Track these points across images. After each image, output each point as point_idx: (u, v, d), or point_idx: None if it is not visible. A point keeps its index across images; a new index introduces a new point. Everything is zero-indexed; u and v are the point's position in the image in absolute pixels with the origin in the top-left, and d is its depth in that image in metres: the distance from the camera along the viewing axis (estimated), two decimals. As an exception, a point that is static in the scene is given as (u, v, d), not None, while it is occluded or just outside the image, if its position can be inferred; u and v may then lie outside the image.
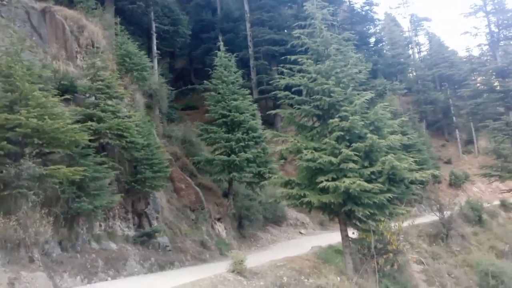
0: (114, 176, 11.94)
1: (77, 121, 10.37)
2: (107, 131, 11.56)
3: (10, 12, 12.37)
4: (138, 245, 12.11)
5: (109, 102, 12.02)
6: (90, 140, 10.31)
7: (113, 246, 11.18)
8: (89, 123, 10.85)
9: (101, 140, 11.44)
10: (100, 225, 11.55)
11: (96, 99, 12.05)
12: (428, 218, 23.34)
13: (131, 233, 12.55)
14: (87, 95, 12.36)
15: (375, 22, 46.10)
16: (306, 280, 10.63)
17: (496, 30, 26.58)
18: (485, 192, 37.59)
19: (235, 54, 20.55)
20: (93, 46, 14.06)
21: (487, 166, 26.44)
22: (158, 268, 11.82)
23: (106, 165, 10.91)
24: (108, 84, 12.18)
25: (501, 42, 27.13)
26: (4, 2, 13.04)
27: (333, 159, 11.25)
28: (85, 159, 10.26)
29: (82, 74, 12.81)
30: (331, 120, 11.94)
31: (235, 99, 18.18)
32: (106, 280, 9.79)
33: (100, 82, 12.07)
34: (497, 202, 32.27)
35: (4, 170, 8.38)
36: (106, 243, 11.06)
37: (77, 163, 9.86)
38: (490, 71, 27.05)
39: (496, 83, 27.27)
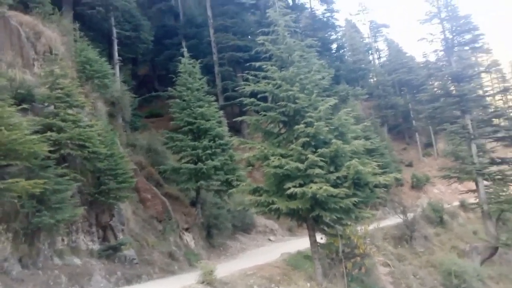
0: (77, 188, 11.51)
1: (36, 132, 9.93)
2: (68, 141, 11.15)
3: (-39, 18, 11.74)
4: (104, 259, 11.71)
5: (70, 111, 11.61)
6: (50, 151, 9.89)
7: (77, 261, 10.76)
8: (49, 133, 10.45)
9: (62, 151, 11.01)
10: (63, 240, 11.08)
11: (55, 108, 11.60)
12: (393, 220, 23.94)
13: (96, 247, 12.12)
14: (46, 104, 11.87)
15: (336, 29, 47.22)
16: (276, 287, 10.60)
17: (451, 37, 27.63)
18: (445, 193, 39.04)
19: (199, 60, 20.40)
20: (51, 53, 13.56)
21: (446, 168, 27.35)
22: (125, 282, 11.46)
23: (67, 177, 10.49)
24: (68, 93, 11.76)
25: (456, 48, 28.24)
26: (-46, 8, 12.37)
27: (300, 165, 11.33)
28: (45, 171, 9.82)
29: (40, 83, 12.30)
30: (296, 126, 12.03)
31: (200, 106, 18.03)
32: (70, 297, 9.39)
33: (59, 91, 11.64)
34: (456, 203, 33.59)
35: (-44, 186, 7.89)
36: (69, 258, 10.63)
37: (37, 175, 9.41)
38: (446, 76, 28.08)
39: (452, 88, 28.34)
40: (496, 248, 23.37)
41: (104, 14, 22.92)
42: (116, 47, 23.94)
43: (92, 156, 11.79)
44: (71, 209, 10.42)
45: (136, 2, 26.77)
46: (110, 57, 23.03)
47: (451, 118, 28.10)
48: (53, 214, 9.63)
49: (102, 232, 12.81)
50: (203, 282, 9.40)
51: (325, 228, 12.86)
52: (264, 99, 13.58)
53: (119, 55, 24.05)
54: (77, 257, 10.86)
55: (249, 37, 33.33)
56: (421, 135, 48.67)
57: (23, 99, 11.15)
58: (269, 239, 21.60)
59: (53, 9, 16.49)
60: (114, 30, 24.19)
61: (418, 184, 39.02)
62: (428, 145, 48.57)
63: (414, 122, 48.15)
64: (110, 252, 12.04)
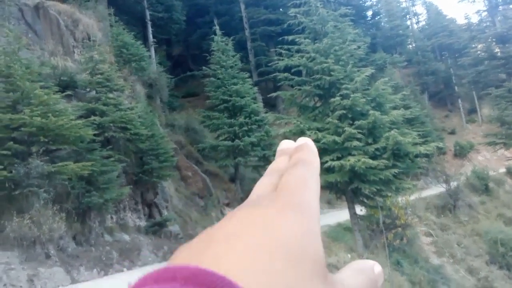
0: (122, 169, 12.03)
1: (80, 117, 10.42)
2: (111, 124, 11.61)
3: (4, 10, 12.29)
4: (150, 235, 12.28)
5: (110, 95, 12.04)
6: (94, 135, 10.35)
7: (126, 237, 11.36)
8: (92, 117, 10.90)
9: (106, 134, 11.50)
10: (112, 218, 11.70)
11: (97, 93, 12.06)
12: (435, 190, 23.43)
13: (143, 223, 12.72)
14: (88, 89, 12.37)
15: (372, -5, 45.47)
16: (317, 259, 10.77)
17: (495, -5, 26.22)
18: (490, 161, 37.56)
19: (231, 37, 20.39)
20: (89, 39, 14.00)
21: (492, 134, 26.38)
22: (171, 256, 12.00)
23: (112, 159, 11.00)
24: (107, 77, 12.17)
25: (500, 7, 26.77)
26: (-3, 1, 12.94)
27: (337, 138, 11.29)
28: (91, 154, 10.34)
29: (81, 69, 12.79)
30: (332, 99, 11.94)
31: (235, 84, 18.14)
32: (122, 271, 9.97)
33: (99, 76, 12.06)
34: (503, 170, 32.29)
35: (13, 170, 8.47)
36: (119, 235, 11.24)
37: (84, 158, 9.94)
38: (490, 37, 26.76)
39: (496, 50, 27.00)
40: (546, 215, 22.51)
41: (137, -3, 23.23)
42: (150, 29, 24.30)
43: (134, 138, 12.27)
44: (117, 188, 10.97)
45: (167, -17, 26.87)
46: (145, 40, 23.44)
47: (496, 81, 26.91)
48: (102, 194, 10.17)
49: (148, 210, 13.39)
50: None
51: (365, 200, 12.85)
52: (299, 73, 13.49)
53: (153, 37, 24.42)
54: (126, 234, 11.47)
55: (281, 10, 32.70)
56: (464, 101, 46.63)
57: (67, 86, 11.67)
58: (309, 212, 21.76)
59: (88, -4, 16.90)
60: (147, 13, 24.51)
61: (461, 152, 37.70)
62: (472, 111, 46.51)
63: (456, 88, 46.15)
64: (156, 228, 12.61)
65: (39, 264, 8.11)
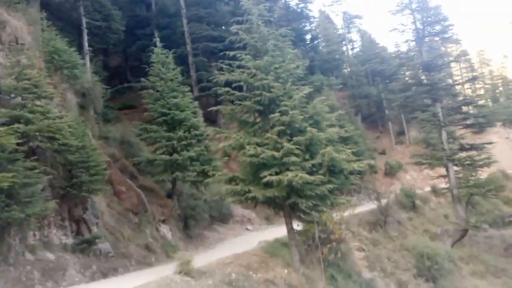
0: (47, 182, 11.21)
1: (3, 124, 9.62)
2: (37, 133, 10.81)
3: None
4: (78, 253, 11.48)
5: (38, 102, 11.28)
6: (18, 144, 9.59)
7: (50, 256, 10.51)
8: (16, 125, 10.10)
9: (31, 144, 10.69)
10: (35, 235, 10.78)
11: (23, 99, 11.23)
12: (367, 206, 24.44)
13: (70, 241, 11.86)
14: (13, 95, 11.46)
15: (310, 20, 47.37)
16: (254, 275, 10.67)
17: (421, 27, 28.16)
18: (417, 180, 40.07)
19: (172, 51, 20.05)
20: (17, 42, 13.10)
21: (418, 154, 28.06)
22: (100, 276, 11.28)
23: (37, 170, 10.18)
24: (35, 83, 11.39)
25: (426, 38, 28.80)
26: None
27: (276, 154, 11.37)
28: (13, 164, 9.51)
29: (6, 73, 11.84)
30: (272, 115, 12.05)
31: (174, 97, 17.79)
32: (43, 292, 9.18)
33: (26, 81, 11.27)
34: (428, 189, 34.55)
35: None
36: (42, 253, 10.37)
37: (5, 169, 9.12)
38: (417, 65, 28.68)
39: (423, 77, 28.97)
40: (466, 230, 24.26)
41: (73, 3, 22.23)
42: (86, 37, 23.29)
43: (62, 149, 11.49)
44: (42, 203, 10.15)
45: (106, -9, 26.08)
46: (80, 48, 22.35)
47: (422, 106, 28.81)
48: (23, 208, 9.35)
49: (76, 226, 12.54)
50: (180, 272, 9.36)
51: (302, 215, 12.99)
52: (239, 89, 13.51)
53: (89, 46, 23.43)
54: (50, 252, 10.61)
55: (223, 27, 32.97)
56: (394, 123, 49.66)
57: (-12, 91, 10.73)
58: (247, 229, 21.68)
59: (19, -2, 15.85)
60: (84, 20, 23.50)
61: (391, 171, 39.87)
62: (401, 133, 49.64)
63: (387, 111, 49.06)
64: (85, 246, 11.81)
65: None
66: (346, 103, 46.13)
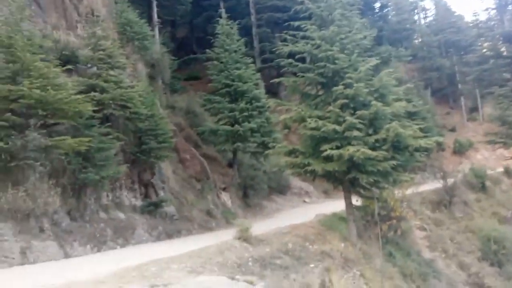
0: (120, 147, 11.99)
1: (80, 92, 10.29)
2: (111, 101, 11.52)
3: (7, -19, 12.07)
4: (146, 215, 12.30)
5: (111, 72, 11.92)
6: (94, 111, 10.28)
7: (121, 215, 11.36)
8: (92, 93, 10.82)
9: (105, 111, 11.43)
10: (108, 196, 11.67)
11: (98, 69, 11.93)
12: (432, 185, 23.48)
13: (138, 203, 12.71)
14: (89, 65, 12.23)
15: (380, -14, 44.85)
16: (310, 246, 10.82)
17: (505, -6, 25.89)
18: (489, 159, 37.54)
19: (237, 22, 20.15)
20: (93, 14, 13.81)
21: (492, 133, 26.35)
22: (165, 237, 12.05)
23: (111, 136, 10.95)
24: (109, 54, 12.05)
25: (509, 6, 26.46)
26: (1, -29, 12.71)
27: (337, 127, 11.21)
28: (89, 130, 10.28)
29: (83, 44, 12.63)
30: (335, 88, 11.82)
31: (238, 68, 17.99)
32: (116, 248, 10.01)
33: (101, 52, 11.93)
34: (500, 169, 32.30)
35: (10, 142, 8.41)
36: (114, 212, 11.24)
37: (82, 134, 9.88)
38: (497, 36, 26.54)
39: (503, 49, 26.80)
40: (540, 216, 22.62)
41: (143, -24, 22.85)
42: (155, 9, 23.99)
43: (133, 117, 12.21)
44: (114, 166, 10.93)
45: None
46: (149, 19, 23.12)
47: (500, 80, 26.81)
48: (98, 171, 10.14)
49: (144, 189, 13.38)
50: (239, 239, 9.71)
51: (361, 191, 12.81)
52: (302, 60, 13.34)
53: (158, 17, 24.13)
54: (121, 212, 11.47)
55: (288, -4, 32.33)
56: (467, 99, 46.37)
57: (68, 61, 11.51)
58: (304, 201, 21.84)
59: (94, -29, 16.60)
60: (153, -8, 24.15)
61: (460, 150, 37.65)
62: (474, 109, 46.31)
63: (459, 85, 45.85)
64: (152, 208, 12.62)
65: (32, 237, 8.12)
66: (415, 76, 43.77)
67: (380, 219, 13.03)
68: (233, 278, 6.20)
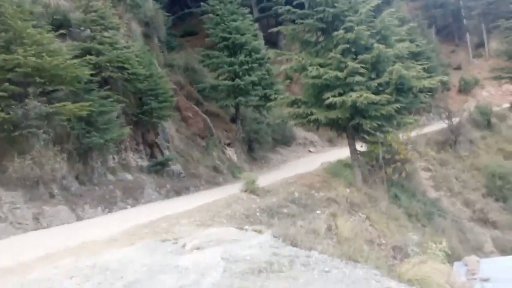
0: (121, 109, 11.97)
1: (76, 56, 10.15)
2: (108, 64, 11.36)
3: None
4: (153, 174, 12.49)
5: (105, 33, 11.69)
6: (91, 75, 10.20)
7: (129, 176, 11.55)
8: (88, 57, 10.66)
9: (103, 74, 11.31)
10: (114, 158, 11.81)
11: (91, 32, 11.69)
12: (437, 126, 23.44)
13: (145, 163, 12.88)
14: (82, 28, 11.96)
15: None
16: (316, 193, 11.03)
17: None
18: (495, 96, 37.08)
19: (231, -30, 19.31)
20: (80, -26, 13.30)
21: (498, 68, 25.88)
22: (174, 194, 12.30)
23: (111, 99, 10.90)
24: (101, 15, 11.77)
25: None
26: None
27: (339, 74, 11.06)
28: (89, 94, 10.23)
29: (74, 7, 12.30)
30: (335, 33, 11.54)
31: (234, 20, 17.51)
32: (126, 208, 10.26)
33: (93, 13, 11.66)
34: (506, 105, 32.01)
35: (11, 112, 8.43)
36: (121, 174, 11.42)
37: (82, 99, 9.84)
38: (504, -35, 25.34)
39: (509, -21, 25.71)
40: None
41: None
42: (144, -37, 23.02)
43: (132, 78, 12.07)
44: (118, 129, 10.99)
45: None
46: (139, -25, 22.28)
47: (507, 13, 26.00)
48: (102, 134, 10.20)
49: (149, 150, 13.51)
50: (246, 191, 9.93)
51: (366, 136, 12.85)
52: (301, 6, 12.90)
53: (148, -28, 23.20)
54: (129, 173, 11.65)
55: None
56: (472, 35, 45.03)
57: (60, 25, 11.24)
58: (309, 151, 21.99)
59: None
60: None
61: (466, 88, 37.14)
62: (480, 45, 45.09)
63: (465, 20, 44.41)
64: (158, 167, 12.79)
65: (43, 203, 8.32)
66: (418, 15, 42.27)
67: (385, 163, 13.15)
68: (241, 229, 6.38)
